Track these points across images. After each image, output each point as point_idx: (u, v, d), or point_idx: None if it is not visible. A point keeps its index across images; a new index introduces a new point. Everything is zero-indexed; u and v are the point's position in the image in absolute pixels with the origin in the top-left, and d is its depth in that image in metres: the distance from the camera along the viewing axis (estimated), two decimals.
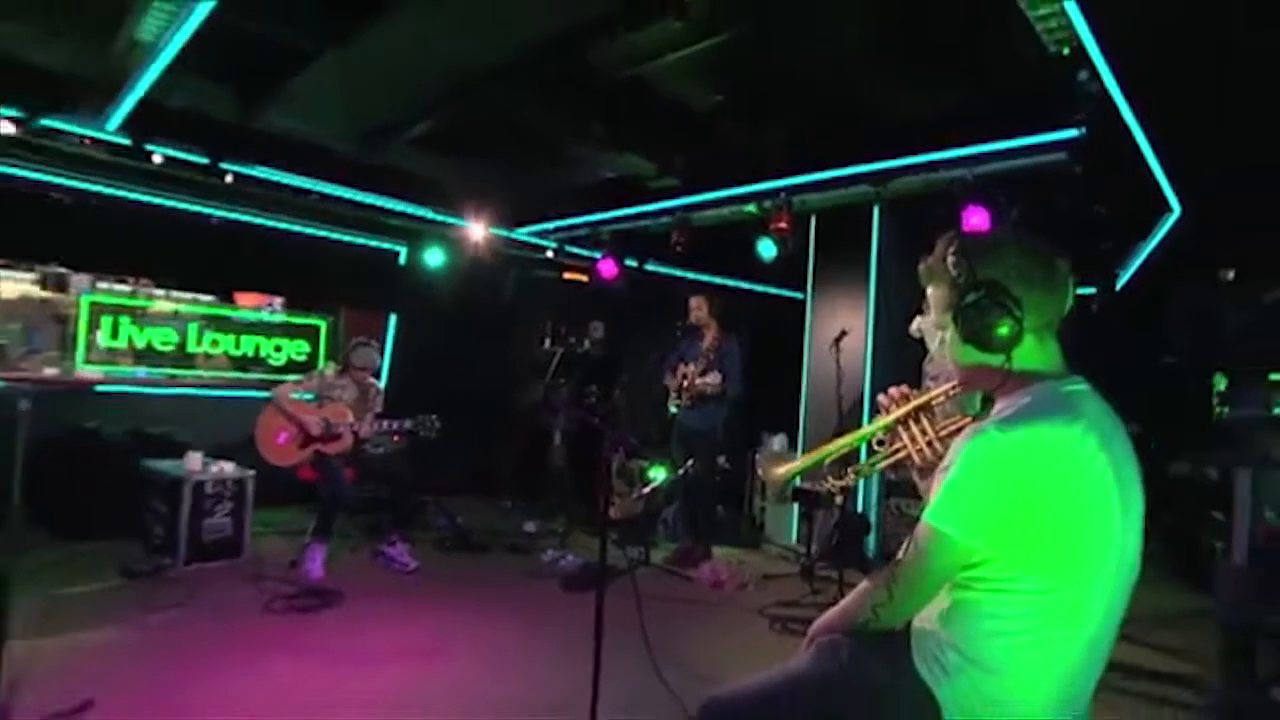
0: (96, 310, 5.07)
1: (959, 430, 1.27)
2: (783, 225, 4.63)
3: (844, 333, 4.40)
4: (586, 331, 6.23)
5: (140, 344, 5.24)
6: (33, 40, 3.55)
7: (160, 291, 5.43)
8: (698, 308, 4.73)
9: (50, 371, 4.82)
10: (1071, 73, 3.10)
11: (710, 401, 4.58)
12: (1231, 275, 5.00)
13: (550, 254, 6.42)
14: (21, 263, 4.98)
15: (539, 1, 3.07)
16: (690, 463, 4.59)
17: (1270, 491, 3.59)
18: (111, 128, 4.13)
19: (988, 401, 1.28)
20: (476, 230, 5.69)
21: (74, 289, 5.08)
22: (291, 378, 4.59)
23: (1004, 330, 1.15)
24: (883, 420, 1.41)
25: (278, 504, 4.68)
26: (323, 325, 6.08)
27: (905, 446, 1.38)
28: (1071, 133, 3.53)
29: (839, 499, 4.34)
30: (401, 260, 6.28)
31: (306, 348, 6.00)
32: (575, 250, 6.36)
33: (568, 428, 5.95)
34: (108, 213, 4.83)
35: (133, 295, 5.30)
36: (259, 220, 5.45)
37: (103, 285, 5.21)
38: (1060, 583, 1.12)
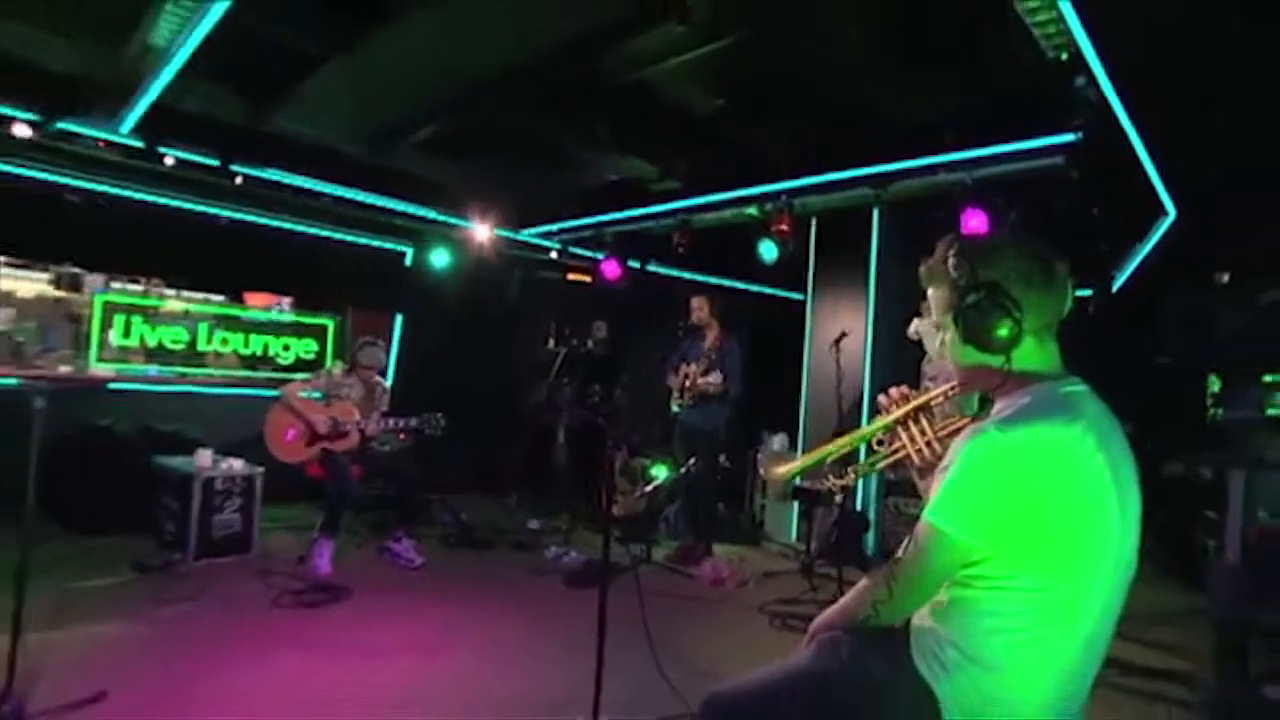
0: (109, 309, 5.08)
1: (958, 430, 1.26)
2: (784, 227, 4.63)
3: (844, 334, 4.39)
4: (590, 331, 6.23)
5: (152, 343, 5.25)
6: (49, 45, 3.57)
7: (171, 291, 5.44)
8: (699, 308, 4.73)
9: (65, 369, 4.84)
10: (1069, 78, 3.10)
11: (712, 401, 4.58)
12: (1226, 278, 4.98)
13: (554, 255, 6.42)
14: (37, 263, 5.01)
15: (542, 8, 3.07)
16: (692, 461, 4.59)
17: (1263, 492, 3.59)
18: (125, 131, 4.15)
19: (985, 402, 1.28)
20: (481, 231, 5.70)
21: (88, 288, 5.10)
22: (299, 376, 4.59)
23: (1004, 331, 1.15)
24: (883, 420, 1.41)
25: (286, 500, 4.68)
26: (330, 325, 6.09)
27: (905, 446, 1.38)
28: (1069, 137, 3.53)
29: (838, 497, 4.34)
30: (408, 261, 6.29)
31: (314, 347, 6.00)
32: (579, 251, 6.36)
33: (571, 426, 5.95)
34: (121, 214, 4.84)
35: (145, 295, 5.32)
36: (268, 221, 5.46)
37: (116, 285, 5.23)
38: (1058, 581, 1.12)
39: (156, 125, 4.16)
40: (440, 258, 5.85)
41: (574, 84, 3.68)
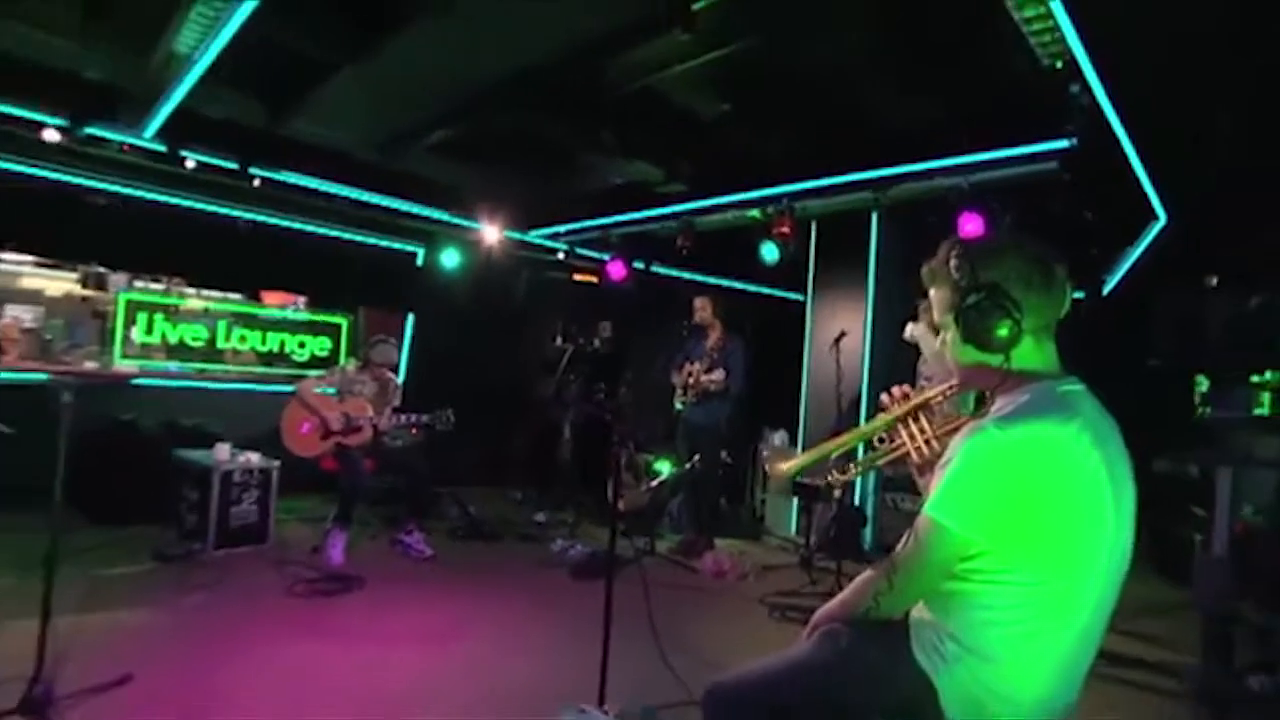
0: (133, 307, 5.10)
1: (957, 429, 1.26)
2: (785, 230, 4.63)
3: (843, 334, 4.38)
4: (595, 330, 6.23)
5: (173, 340, 5.28)
6: (80, 54, 3.59)
7: (192, 290, 5.47)
8: (702, 308, 4.73)
9: (90, 365, 4.86)
10: (1064, 86, 3.09)
11: (714, 398, 4.57)
12: (1215, 281, 4.97)
13: (561, 256, 6.43)
14: (65, 262, 5.04)
15: (550, 17, 3.07)
16: (696, 458, 4.59)
17: (1248, 489, 3.58)
18: (148, 135, 4.17)
19: (981, 401, 1.28)
20: (491, 233, 5.71)
21: (112, 287, 5.12)
22: (314, 373, 4.60)
23: (1003, 331, 1.15)
24: (884, 418, 1.41)
25: (301, 493, 4.69)
26: (344, 323, 6.10)
27: (905, 443, 1.38)
28: (1063, 143, 3.52)
29: (837, 493, 4.35)
30: (419, 261, 6.30)
31: (329, 344, 6.02)
32: (585, 252, 6.37)
33: (576, 422, 5.96)
34: (143, 215, 4.86)
35: (166, 293, 5.34)
36: (285, 223, 5.47)
37: (139, 284, 5.25)
38: (1054, 575, 1.12)
39: (178, 130, 4.18)
40: (451, 258, 5.86)
41: (581, 90, 3.68)
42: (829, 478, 1.46)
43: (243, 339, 5.60)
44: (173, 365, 5.27)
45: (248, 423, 4.69)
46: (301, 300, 5.99)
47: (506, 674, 2.69)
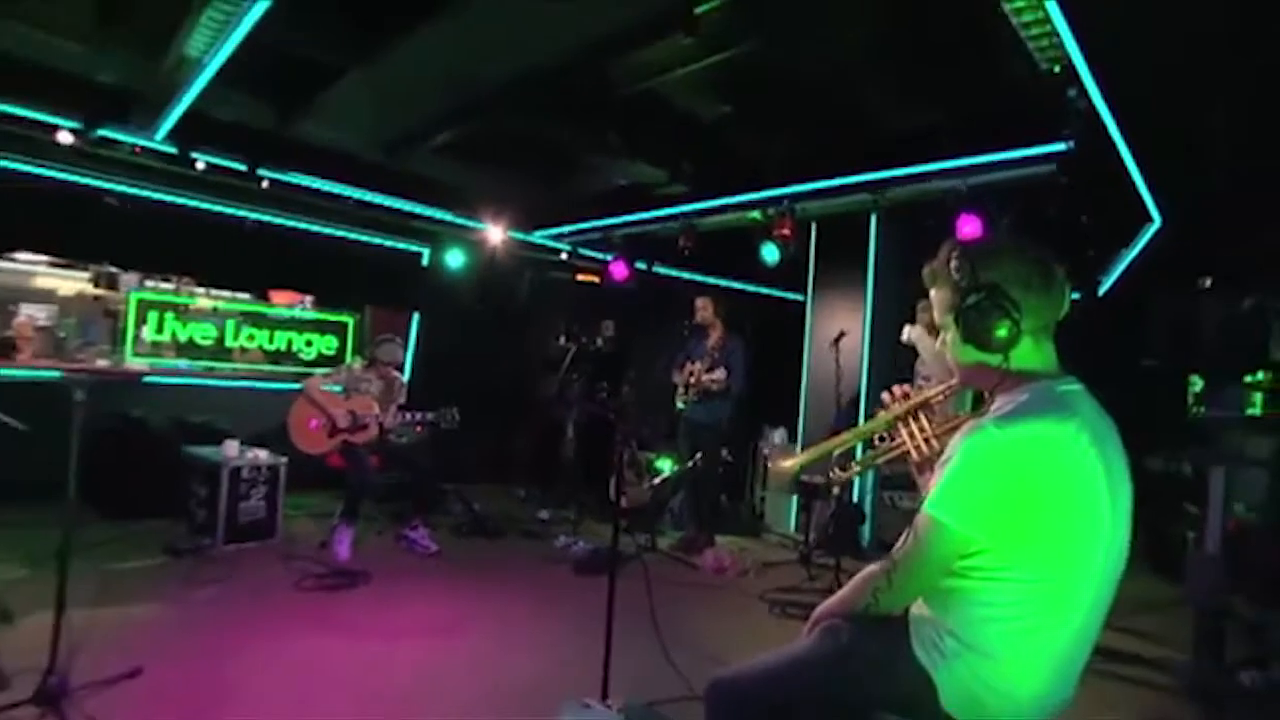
0: (144, 306, 5.12)
1: (956, 427, 1.27)
2: (785, 231, 4.62)
3: (842, 333, 4.38)
4: (598, 330, 6.23)
5: (182, 338, 5.29)
6: (94, 59, 3.59)
7: (201, 289, 5.48)
8: (703, 308, 4.72)
9: (102, 363, 4.88)
10: (1061, 90, 3.09)
11: (715, 397, 4.57)
12: (1209, 283, 4.97)
13: (565, 256, 6.42)
14: (77, 262, 5.05)
15: (554, 21, 3.07)
16: (698, 456, 4.59)
17: (1240, 487, 3.58)
18: (159, 137, 4.18)
19: (980, 401, 1.28)
20: (495, 233, 5.71)
21: (124, 287, 5.14)
22: (321, 371, 4.61)
23: (1003, 331, 1.15)
24: (884, 416, 1.41)
25: (308, 489, 4.70)
26: (350, 322, 6.11)
27: (905, 442, 1.38)
28: (1060, 147, 3.51)
29: (835, 490, 4.35)
30: (424, 261, 6.30)
31: (335, 343, 6.02)
32: (588, 253, 6.36)
33: (579, 421, 5.96)
34: (154, 216, 4.86)
35: (176, 293, 5.35)
36: (292, 223, 5.48)
37: (149, 283, 5.27)
38: (1051, 573, 1.12)
39: (188, 132, 4.18)
40: (455, 258, 5.86)
41: (585, 92, 3.68)
42: (830, 475, 1.46)
43: (251, 337, 5.61)
44: (182, 363, 5.28)
45: (256, 420, 4.70)
46: (308, 299, 6.00)
47: (510, 668, 2.69)
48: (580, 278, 6.69)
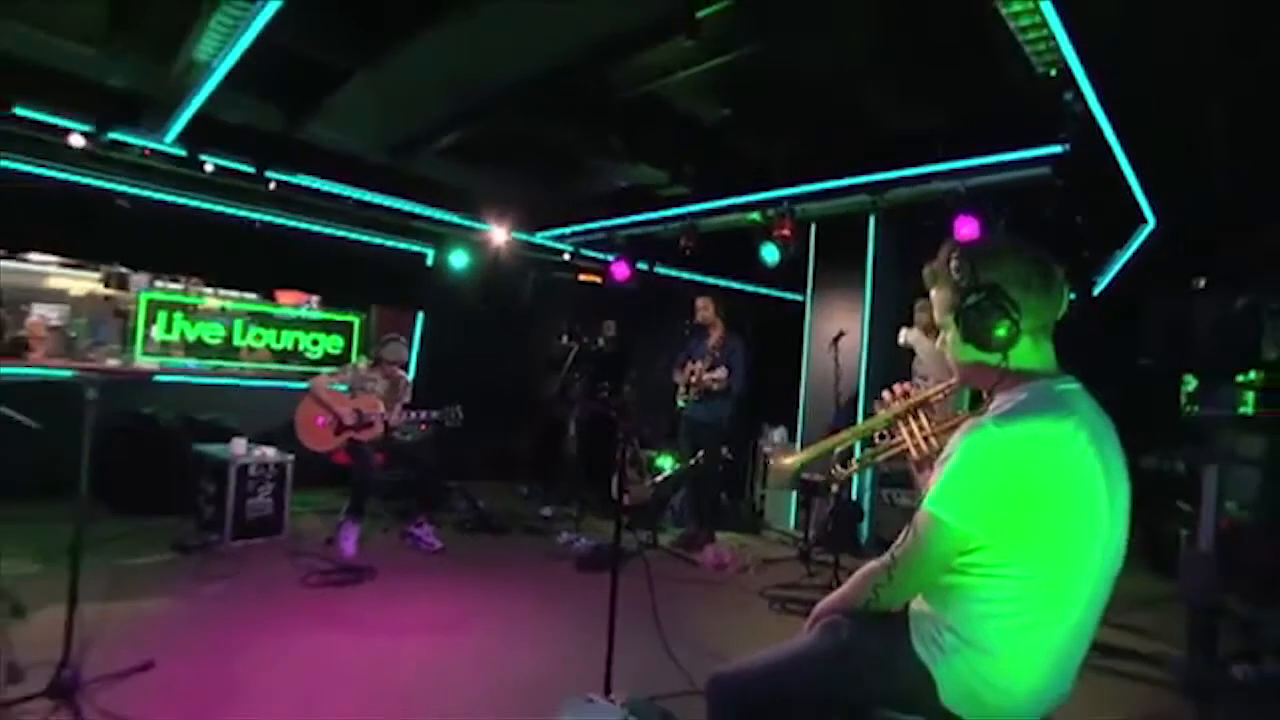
0: (153, 306, 5.12)
1: (955, 426, 1.26)
2: (785, 232, 4.62)
3: (841, 333, 4.37)
4: (600, 330, 6.24)
5: (191, 338, 5.29)
6: (105, 63, 3.60)
7: (209, 290, 5.49)
8: (704, 308, 4.72)
9: (113, 362, 4.89)
10: (1058, 93, 3.09)
11: (716, 396, 4.56)
12: (1202, 283, 4.96)
13: (567, 257, 6.42)
14: (88, 263, 5.06)
15: (558, 24, 3.07)
16: (700, 454, 4.59)
17: (1233, 485, 3.58)
18: (169, 140, 4.18)
19: (979, 399, 1.28)
20: (499, 234, 5.71)
21: (134, 287, 5.15)
22: (327, 370, 4.62)
23: (1002, 331, 1.15)
24: (884, 415, 1.41)
25: (314, 486, 4.70)
26: (356, 322, 6.11)
27: (905, 440, 1.38)
28: (1056, 149, 3.51)
29: (834, 488, 4.34)
30: (429, 262, 6.30)
31: (341, 342, 6.03)
32: (590, 253, 6.36)
33: (581, 419, 5.96)
34: (164, 217, 4.87)
35: (185, 293, 5.36)
36: (299, 224, 5.48)
37: (159, 284, 5.28)
38: (1049, 569, 1.12)
39: (197, 135, 4.19)
40: (459, 259, 5.86)
41: (588, 95, 3.68)
42: (831, 472, 1.46)
43: (258, 337, 5.62)
44: (191, 362, 5.29)
45: (263, 418, 4.70)
46: (315, 299, 6.00)
47: (514, 664, 2.69)
48: (582, 278, 6.69)
